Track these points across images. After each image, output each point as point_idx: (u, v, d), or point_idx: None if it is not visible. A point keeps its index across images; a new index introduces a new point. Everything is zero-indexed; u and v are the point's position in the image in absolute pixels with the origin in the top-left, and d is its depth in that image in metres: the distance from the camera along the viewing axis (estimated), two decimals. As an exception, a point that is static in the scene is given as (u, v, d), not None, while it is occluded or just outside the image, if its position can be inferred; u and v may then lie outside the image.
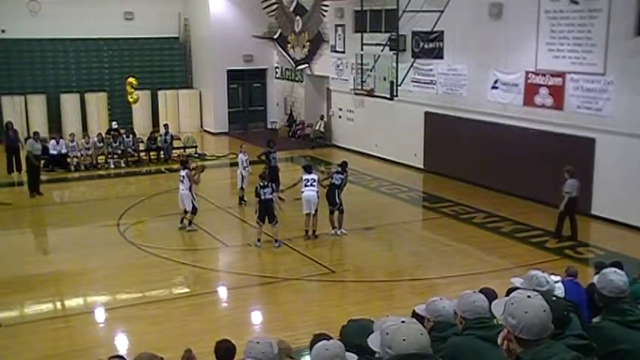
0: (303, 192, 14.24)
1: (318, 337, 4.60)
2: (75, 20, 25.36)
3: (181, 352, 6.35)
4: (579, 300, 6.32)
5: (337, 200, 14.34)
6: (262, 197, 13.57)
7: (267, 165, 16.89)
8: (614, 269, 4.25)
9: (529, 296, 2.91)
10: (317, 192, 14.20)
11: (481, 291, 5.62)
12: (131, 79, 22.86)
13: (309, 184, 14.21)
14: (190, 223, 14.91)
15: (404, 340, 2.85)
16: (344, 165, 14.85)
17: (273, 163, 17.11)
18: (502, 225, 15.13)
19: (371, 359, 3.61)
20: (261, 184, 13.71)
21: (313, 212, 14.18)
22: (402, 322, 2.94)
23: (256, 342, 3.90)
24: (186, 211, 14.97)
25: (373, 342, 3.13)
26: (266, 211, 13.59)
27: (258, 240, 13.75)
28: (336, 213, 14.42)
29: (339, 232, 14.44)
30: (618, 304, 3.92)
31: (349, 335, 4.04)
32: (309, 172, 14.52)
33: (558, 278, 7.62)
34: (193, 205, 14.87)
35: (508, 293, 6.46)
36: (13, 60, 25.78)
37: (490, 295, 5.71)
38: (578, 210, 13.96)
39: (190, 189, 14.87)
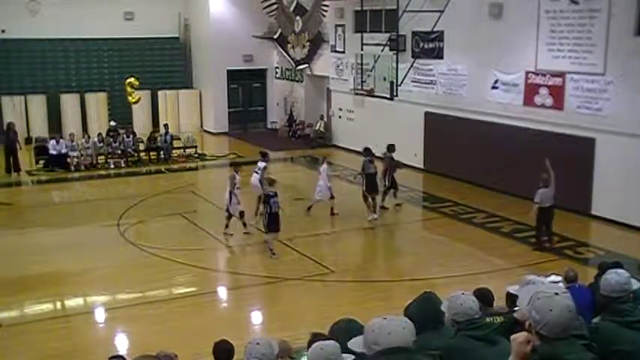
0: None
1: (315, 337, 4.60)
2: (75, 20, 25.33)
3: (182, 352, 6.35)
4: (585, 302, 6.29)
5: (387, 183, 15.76)
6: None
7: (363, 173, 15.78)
8: (615, 270, 4.25)
9: (556, 293, 2.91)
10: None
11: (477, 291, 5.63)
12: (131, 80, 22.85)
13: (256, 169, 14.67)
14: (224, 228, 14.39)
15: (389, 334, 3.05)
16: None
17: (372, 170, 15.70)
18: (502, 225, 15.13)
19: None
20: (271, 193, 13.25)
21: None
22: (384, 318, 3.14)
23: (256, 343, 3.90)
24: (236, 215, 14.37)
25: (355, 345, 3.30)
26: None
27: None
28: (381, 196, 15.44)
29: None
30: (619, 304, 3.92)
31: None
32: (262, 160, 14.86)
33: (559, 278, 7.61)
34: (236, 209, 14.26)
35: (507, 297, 6.47)
36: (13, 60, 25.77)
37: (486, 295, 5.71)
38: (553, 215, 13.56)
39: (231, 193, 14.10)
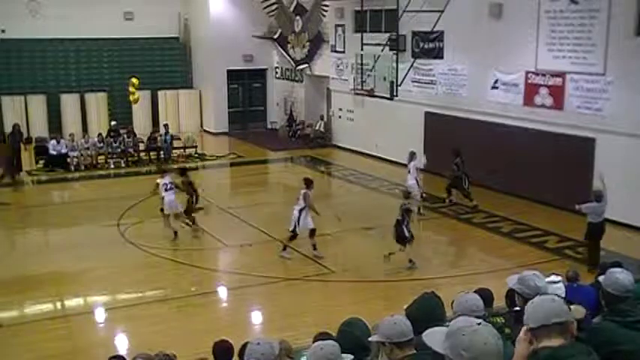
0: (164, 197, 14.24)
1: (319, 337, 4.62)
2: (75, 20, 25.32)
3: (181, 352, 6.36)
4: (588, 301, 6.28)
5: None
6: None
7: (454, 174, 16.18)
8: (620, 269, 4.24)
9: (479, 323, 2.71)
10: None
11: (477, 292, 5.64)
12: (134, 79, 22.85)
13: (168, 188, 14.27)
14: (285, 248, 13.34)
15: (485, 344, 2.59)
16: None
17: (457, 173, 16.26)
18: (502, 225, 15.13)
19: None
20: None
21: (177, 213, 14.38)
22: (478, 324, 2.69)
23: (257, 343, 3.89)
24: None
25: (435, 343, 2.85)
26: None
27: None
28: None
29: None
30: (620, 304, 3.92)
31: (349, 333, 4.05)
32: (164, 176, 14.54)
33: (559, 278, 7.62)
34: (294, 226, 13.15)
35: (507, 294, 6.45)
36: (13, 60, 25.76)
37: (486, 295, 5.71)
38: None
39: (301, 210, 13.03)
